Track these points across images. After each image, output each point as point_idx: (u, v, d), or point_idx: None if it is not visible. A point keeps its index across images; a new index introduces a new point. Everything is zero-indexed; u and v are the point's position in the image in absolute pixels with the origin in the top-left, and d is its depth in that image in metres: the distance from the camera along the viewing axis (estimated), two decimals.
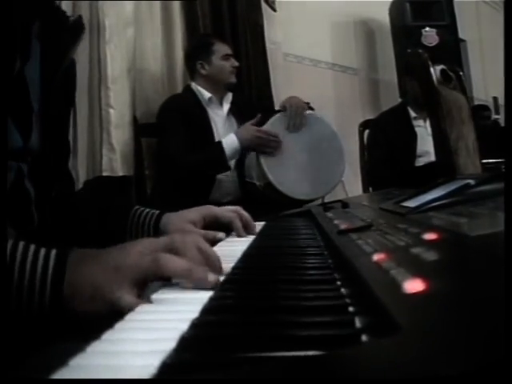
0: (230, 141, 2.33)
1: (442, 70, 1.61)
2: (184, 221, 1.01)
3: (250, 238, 0.95)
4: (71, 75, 0.96)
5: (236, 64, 2.55)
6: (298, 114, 2.45)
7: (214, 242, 0.94)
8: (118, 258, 0.55)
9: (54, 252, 0.56)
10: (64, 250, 0.57)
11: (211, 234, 0.98)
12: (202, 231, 0.98)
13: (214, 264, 0.58)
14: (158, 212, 1.04)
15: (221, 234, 0.98)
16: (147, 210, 1.05)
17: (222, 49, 2.56)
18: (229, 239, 0.98)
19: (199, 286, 0.52)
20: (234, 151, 2.34)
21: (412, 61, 1.89)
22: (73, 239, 0.99)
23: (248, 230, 1.03)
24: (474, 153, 1.58)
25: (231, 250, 0.77)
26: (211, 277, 0.52)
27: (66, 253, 0.56)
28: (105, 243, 0.59)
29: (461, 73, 1.72)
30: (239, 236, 1.01)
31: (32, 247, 0.56)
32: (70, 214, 1.01)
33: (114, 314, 0.49)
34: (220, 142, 2.34)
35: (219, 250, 0.84)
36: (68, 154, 1.05)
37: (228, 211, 1.04)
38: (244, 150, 2.38)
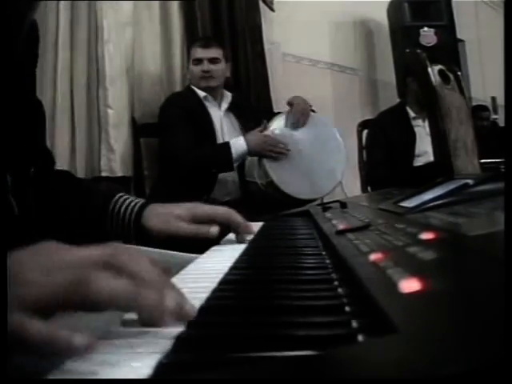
0: (238, 143, 2.35)
1: (440, 70, 1.61)
2: (170, 215, 0.91)
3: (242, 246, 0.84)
4: (33, 37, 0.85)
5: (205, 68, 2.53)
6: (303, 113, 2.47)
7: (206, 239, 0.87)
8: (27, 271, 0.38)
9: None
10: None
11: (204, 228, 0.88)
12: (194, 226, 0.89)
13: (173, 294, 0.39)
14: (141, 202, 0.95)
15: (213, 229, 0.88)
16: (131, 198, 0.96)
17: (193, 53, 2.57)
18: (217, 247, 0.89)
19: (150, 322, 0.37)
20: (241, 154, 2.35)
21: (410, 61, 1.89)
22: (54, 226, 0.89)
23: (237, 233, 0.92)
24: (472, 153, 1.58)
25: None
26: (170, 302, 0.37)
27: None
28: (85, 232, 0.46)
29: (459, 73, 1.72)
30: (240, 233, 0.90)
31: None
32: (49, 199, 0.92)
33: None
34: (228, 143, 2.35)
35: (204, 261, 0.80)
36: (43, 128, 0.94)
37: (220, 209, 0.93)
38: (251, 154, 2.40)
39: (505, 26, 1.00)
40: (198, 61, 2.54)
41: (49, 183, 0.93)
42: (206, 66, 2.53)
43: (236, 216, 0.91)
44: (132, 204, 0.95)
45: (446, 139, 1.47)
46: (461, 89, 1.66)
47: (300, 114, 2.46)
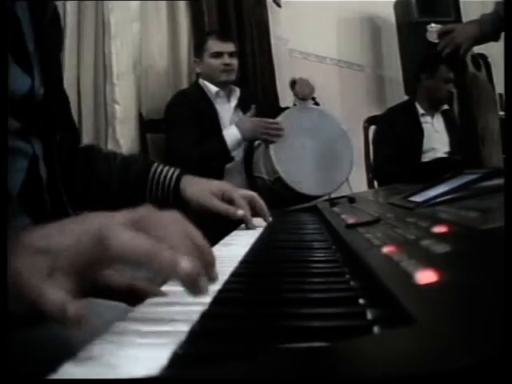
0: (231, 132, 2.37)
1: (473, 57, 1.57)
2: (205, 189, 1.00)
3: (255, 234, 0.91)
4: (56, 20, 0.90)
5: (227, 61, 2.51)
6: (308, 85, 2.52)
7: (231, 220, 0.95)
8: (52, 238, 0.38)
9: None
10: None
11: (232, 210, 0.96)
12: (225, 205, 0.98)
13: (205, 257, 0.40)
14: (178, 171, 1.03)
15: (240, 212, 0.96)
16: (167, 167, 1.03)
17: (212, 46, 2.53)
18: (232, 236, 0.94)
19: (167, 277, 0.39)
20: (236, 142, 2.37)
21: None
22: (94, 199, 0.98)
23: (262, 217, 1.03)
24: (497, 143, 1.56)
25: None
26: (185, 263, 0.34)
27: None
28: (125, 202, 0.46)
29: (489, 59, 1.68)
30: (248, 227, 0.99)
31: None
32: (87, 172, 0.98)
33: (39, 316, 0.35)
34: (221, 135, 2.37)
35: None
36: (68, 102, 0.99)
37: (243, 197, 1.01)
38: (246, 139, 2.42)
39: (505, 26, 0.99)
40: (219, 54, 2.52)
41: (79, 156, 0.99)
42: (227, 59, 2.51)
43: (248, 216, 0.99)
44: (170, 173, 1.02)
45: (476, 127, 1.46)
46: (490, 77, 1.63)
47: (305, 86, 2.51)
